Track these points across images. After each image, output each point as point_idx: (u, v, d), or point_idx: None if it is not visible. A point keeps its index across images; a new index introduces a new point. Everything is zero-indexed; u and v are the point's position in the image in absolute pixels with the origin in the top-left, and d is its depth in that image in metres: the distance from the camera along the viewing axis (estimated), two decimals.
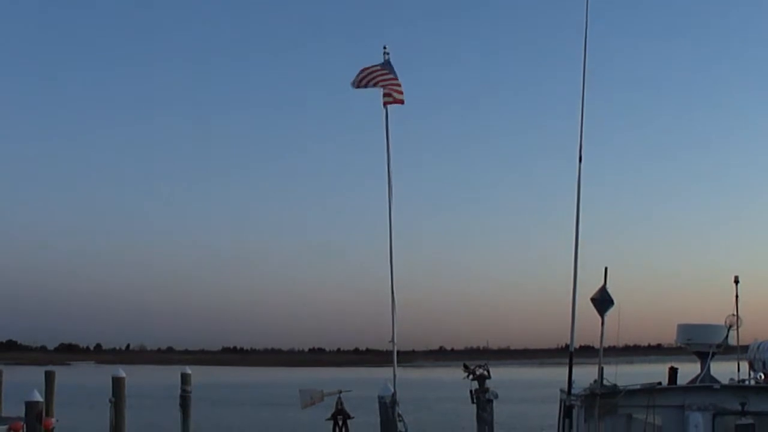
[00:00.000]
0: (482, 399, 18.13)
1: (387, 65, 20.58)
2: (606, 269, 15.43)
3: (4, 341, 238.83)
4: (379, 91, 20.33)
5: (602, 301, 15.12)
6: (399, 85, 20.40)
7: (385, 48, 20.69)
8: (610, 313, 15.13)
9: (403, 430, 18.91)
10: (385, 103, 20.21)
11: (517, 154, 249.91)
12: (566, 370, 15.48)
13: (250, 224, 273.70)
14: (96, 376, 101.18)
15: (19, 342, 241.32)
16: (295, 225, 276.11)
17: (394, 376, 18.83)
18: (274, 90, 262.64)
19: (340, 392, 21.32)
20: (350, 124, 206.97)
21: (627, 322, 15.71)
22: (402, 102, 20.40)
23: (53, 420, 36.75)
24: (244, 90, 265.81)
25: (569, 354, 15.41)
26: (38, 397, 23.00)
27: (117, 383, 31.55)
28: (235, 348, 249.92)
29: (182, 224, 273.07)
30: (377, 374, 52.17)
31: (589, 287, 15.44)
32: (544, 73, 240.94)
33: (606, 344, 15.06)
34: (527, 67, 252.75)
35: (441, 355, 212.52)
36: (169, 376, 77.70)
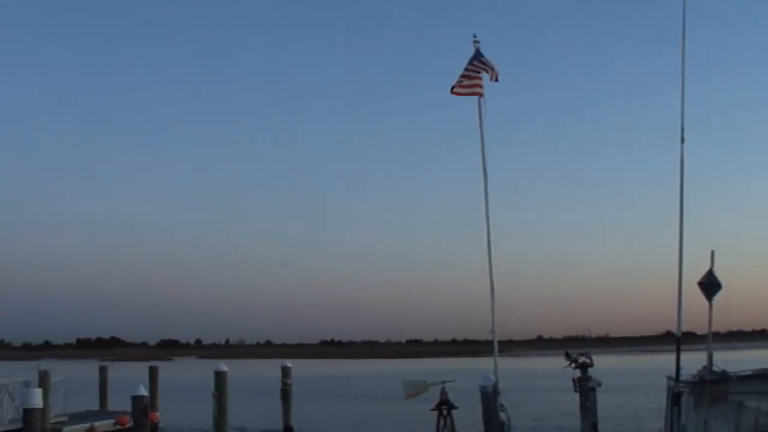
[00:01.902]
0: (585, 387, 17.84)
1: (477, 56, 20.45)
2: (713, 252, 15.02)
3: (107, 338, 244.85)
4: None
5: (710, 285, 14.71)
6: (479, 79, 20.36)
7: (474, 37, 20.51)
8: (717, 298, 14.73)
9: (506, 419, 18.72)
10: (472, 93, 20.21)
11: (615, 137, 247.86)
12: (668, 357, 15.17)
13: (345, 218, 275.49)
14: (197, 371, 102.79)
15: (122, 339, 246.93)
16: (391, 217, 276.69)
17: (495, 366, 18.64)
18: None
19: (444, 383, 21.21)
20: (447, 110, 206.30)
21: (734, 307, 15.29)
22: (481, 95, 20.50)
23: (158, 414, 37.35)
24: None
25: (676, 340, 15.03)
26: (144, 391, 23.30)
27: (219, 377, 31.86)
28: (332, 341, 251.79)
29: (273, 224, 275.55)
30: (476, 365, 51.99)
31: (694, 272, 15.05)
32: (645, 57, 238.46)
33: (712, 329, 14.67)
34: (628, 51, 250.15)
35: (539, 345, 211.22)
36: (268, 369, 78.47)
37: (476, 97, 20.55)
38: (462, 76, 20.56)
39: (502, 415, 18.71)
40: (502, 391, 18.96)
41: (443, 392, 21.09)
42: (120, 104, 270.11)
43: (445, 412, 20.95)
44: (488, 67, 20.56)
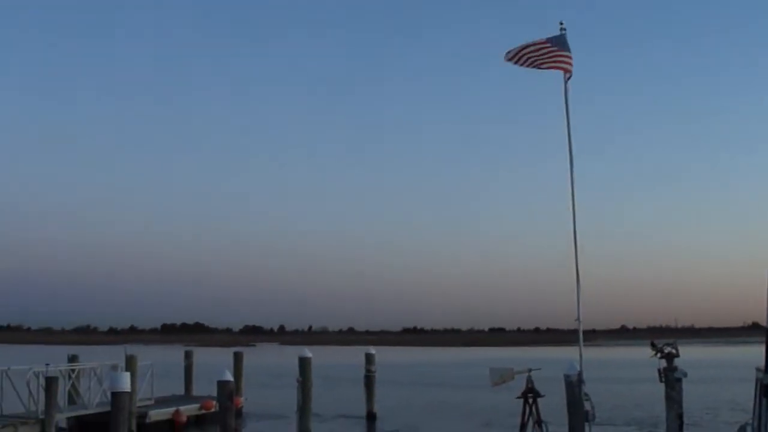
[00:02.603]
0: (671, 378, 17.55)
1: (558, 40, 19.88)
2: None
3: (192, 324, 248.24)
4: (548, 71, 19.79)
5: None
6: (569, 57, 19.68)
7: (561, 24, 20.09)
8: None
9: (590, 409, 18.53)
10: (568, 77, 19.61)
11: (701, 132, 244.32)
12: (754, 348, 14.84)
13: (430, 207, 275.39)
14: (280, 357, 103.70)
15: (206, 324, 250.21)
16: (472, 207, 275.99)
17: (580, 355, 18.45)
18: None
19: (530, 371, 21.07)
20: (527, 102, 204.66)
21: None
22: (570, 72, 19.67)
23: (242, 399, 37.80)
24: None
25: (766, 331, 14.71)
26: (229, 376, 23.57)
27: (304, 363, 32.11)
28: (414, 328, 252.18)
29: (359, 210, 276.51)
30: (558, 354, 51.57)
31: None
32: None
33: None
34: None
35: (622, 334, 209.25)
36: (350, 356, 78.89)
37: (561, 73, 19.66)
38: (536, 47, 19.71)
39: (587, 405, 18.51)
40: (586, 380, 18.77)
41: (529, 380, 20.93)
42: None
43: (530, 401, 20.81)
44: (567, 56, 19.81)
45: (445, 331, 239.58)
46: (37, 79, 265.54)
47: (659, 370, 17.58)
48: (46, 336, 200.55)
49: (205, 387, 39.61)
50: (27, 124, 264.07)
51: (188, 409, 36.05)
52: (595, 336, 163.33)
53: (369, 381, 38.54)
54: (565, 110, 19.40)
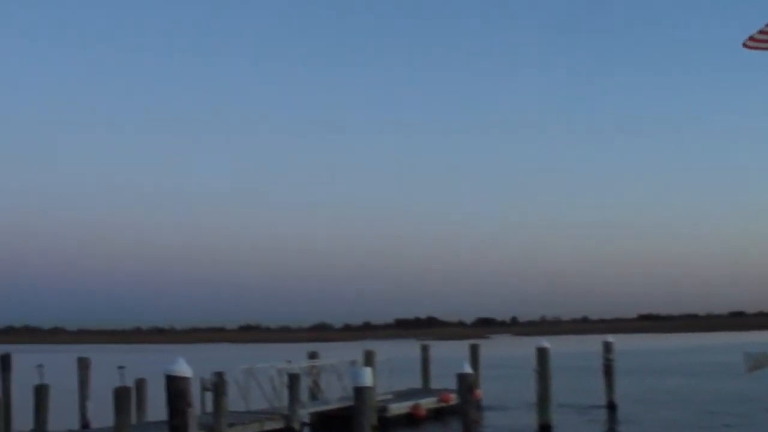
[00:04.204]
0: None
1: None
2: None
3: (425, 318, 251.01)
4: None
5: None
6: None
7: None
8: None
9: None
10: None
11: None
12: None
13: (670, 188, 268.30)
14: (513, 349, 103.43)
15: (438, 318, 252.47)
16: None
17: None
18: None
19: None
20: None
21: None
22: None
23: (480, 391, 37.69)
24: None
25: None
26: (469, 369, 23.45)
27: (541, 353, 31.69)
28: (651, 315, 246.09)
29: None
30: None
31: None
32: None
33: None
34: None
35: None
36: (585, 345, 77.71)
37: None
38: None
39: None
40: None
41: None
42: None
43: None
44: None
45: (682, 317, 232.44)
46: None
47: None
48: (284, 334, 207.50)
49: (441, 380, 39.77)
50: None
51: (427, 403, 36.24)
52: None
53: (608, 370, 37.64)
54: None
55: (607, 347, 37.71)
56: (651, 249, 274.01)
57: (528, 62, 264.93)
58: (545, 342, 32.06)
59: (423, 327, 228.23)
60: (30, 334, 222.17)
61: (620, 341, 42.81)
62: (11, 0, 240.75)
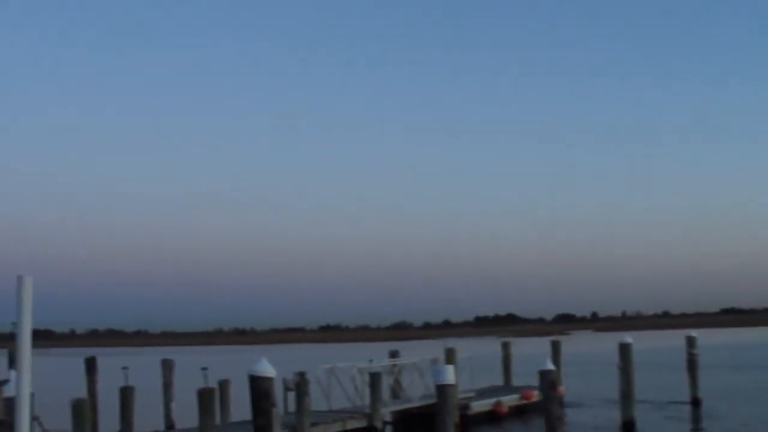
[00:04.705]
0: None
1: None
2: None
3: (504, 315, 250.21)
4: None
5: None
6: None
7: None
8: None
9: None
10: None
11: None
12: None
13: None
14: (594, 345, 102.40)
15: (518, 315, 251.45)
16: None
17: None
18: None
19: None
20: None
21: None
22: None
23: (562, 387, 37.46)
24: None
25: None
26: (551, 365, 23.35)
27: (624, 349, 31.36)
28: (733, 308, 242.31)
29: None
30: None
31: None
32: None
33: None
34: None
35: None
36: (667, 340, 76.66)
37: None
38: None
39: None
40: None
41: None
42: None
43: None
44: None
45: (765, 310, 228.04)
46: None
47: None
48: (364, 333, 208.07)
49: (522, 377, 39.60)
50: None
51: (509, 400, 36.11)
52: None
53: (691, 365, 37.15)
54: None
55: (690, 342, 37.21)
56: (731, 242, 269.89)
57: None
58: (628, 337, 31.73)
59: (503, 324, 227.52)
60: (114, 337, 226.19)
61: (702, 336, 42.18)
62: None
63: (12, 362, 29.62)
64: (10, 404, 10.48)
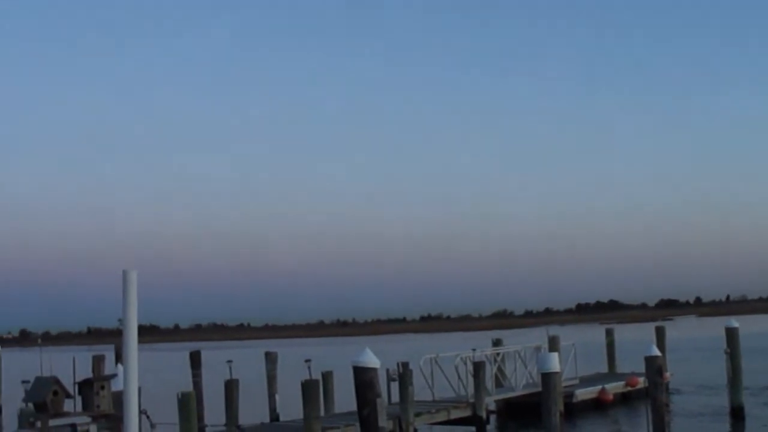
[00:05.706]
0: None
1: None
2: None
3: (606, 301, 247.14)
4: None
5: None
6: None
7: None
8: None
9: None
10: None
11: None
12: None
13: None
14: (699, 330, 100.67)
15: (620, 301, 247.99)
16: None
17: None
18: None
19: None
20: None
21: None
22: None
23: (668, 374, 36.89)
24: None
25: None
26: (656, 351, 22.97)
27: (731, 333, 30.67)
28: None
29: None
30: None
31: None
32: None
33: None
34: None
35: None
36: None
37: None
38: None
39: None
40: None
41: None
42: None
43: None
44: None
45: None
46: None
47: None
48: (465, 323, 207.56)
49: (626, 364, 39.08)
50: None
51: (614, 387, 35.70)
52: None
53: None
54: None
55: None
56: None
57: None
58: (734, 321, 31.05)
59: (605, 311, 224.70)
60: (217, 331, 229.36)
61: None
62: None
63: (119, 357, 30.30)
64: (119, 398, 10.66)
